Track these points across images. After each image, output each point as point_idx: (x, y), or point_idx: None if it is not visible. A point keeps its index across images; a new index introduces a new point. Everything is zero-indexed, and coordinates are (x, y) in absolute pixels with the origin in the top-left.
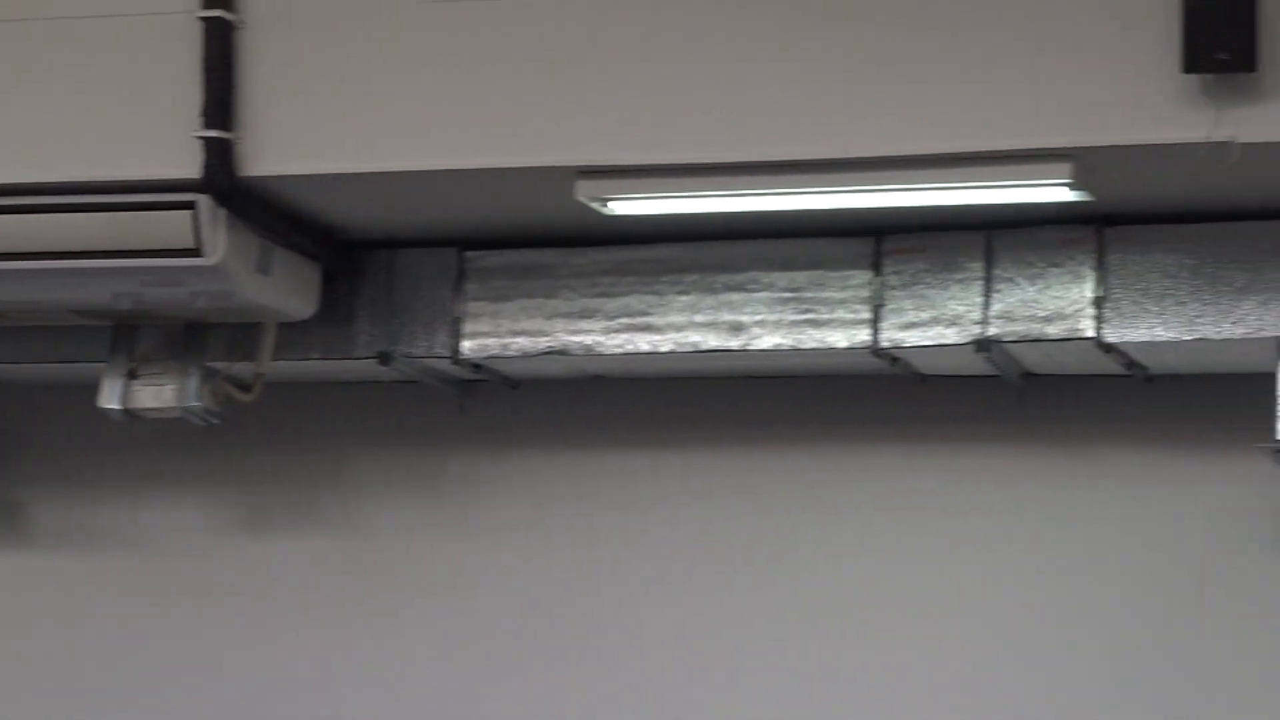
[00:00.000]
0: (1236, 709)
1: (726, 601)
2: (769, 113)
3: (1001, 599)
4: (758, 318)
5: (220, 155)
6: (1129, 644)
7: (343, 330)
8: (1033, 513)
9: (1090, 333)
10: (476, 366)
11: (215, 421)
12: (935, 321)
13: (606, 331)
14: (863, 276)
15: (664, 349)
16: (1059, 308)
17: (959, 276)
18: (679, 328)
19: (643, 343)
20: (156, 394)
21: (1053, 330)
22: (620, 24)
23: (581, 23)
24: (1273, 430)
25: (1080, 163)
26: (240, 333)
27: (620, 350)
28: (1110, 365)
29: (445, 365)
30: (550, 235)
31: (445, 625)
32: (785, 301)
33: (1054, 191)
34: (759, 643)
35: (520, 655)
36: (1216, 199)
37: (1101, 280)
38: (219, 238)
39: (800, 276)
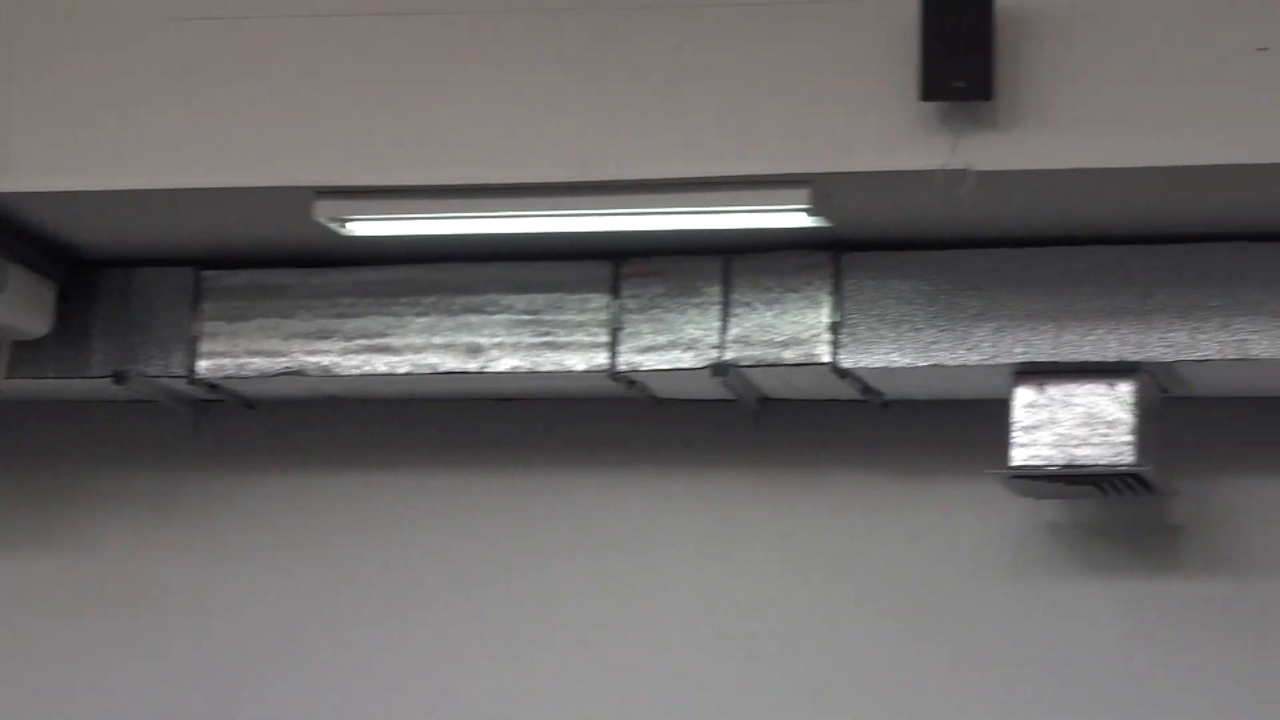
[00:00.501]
0: None
1: (462, 623)
2: (508, 135)
3: (737, 621)
4: (496, 340)
5: None
6: (864, 667)
7: (78, 349)
8: (768, 536)
9: (826, 358)
10: (213, 386)
11: None
12: (673, 345)
13: (344, 352)
14: (601, 300)
15: (401, 370)
16: (795, 333)
17: (696, 300)
18: (417, 349)
19: (380, 364)
20: None
21: (789, 355)
22: (358, 46)
23: (319, 44)
24: (1006, 456)
25: (818, 189)
26: None
27: (357, 371)
28: (846, 390)
29: (181, 385)
30: (290, 255)
31: (180, 645)
32: (523, 324)
33: (792, 217)
34: (492, 664)
35: (257, 675)
36: (953, 226)
37: (838, 306)
38: None
39: (538, 299)
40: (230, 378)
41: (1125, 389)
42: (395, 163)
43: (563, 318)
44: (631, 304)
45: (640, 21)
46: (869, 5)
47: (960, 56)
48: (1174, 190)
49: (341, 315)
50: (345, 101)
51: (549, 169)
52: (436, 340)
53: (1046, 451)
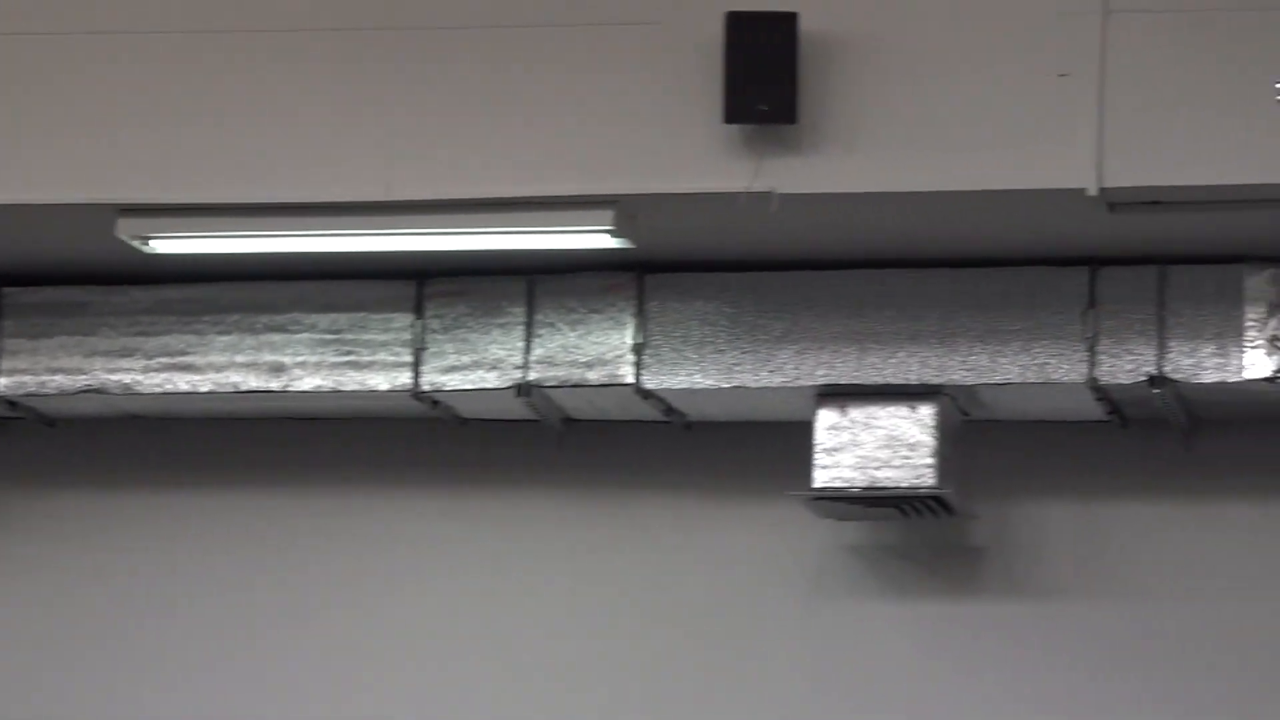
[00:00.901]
0: None
1: (257, 639)
2: (312, 154)
3: (540, 643)
4: (299, 359)
5: None
6: (665, 688)
7: None
8: (572, 556)
9: (630, 379)
10: (12, 404)
11: None
12: (476, 365)
13: (145, 370)
14: (404, 319)
15: (204, 389)
16: (599, 353)
17: (501, 321)
18: (219, 368)
19: (182, 382)
20: None
21: (593, 376)
22: (162, 63)
23: (122, 61)
24: (808, 478)
25: (622, 210)
26: None
27: (159, 390)
28: (649, 411)
29: None
30: (93, 273)
31: None
32: (327, 343)
33: (596, 238)
34: (294, 679)
35: (50, 692)
36: (757, 249)
37: (641, 327)
38: None
39: (342, 318)
40: (31, 395)
41: (927, 412)
42: (199, 181)
43: (366, 337)
44: (435, 324)
45: (446, 43)
46: (674, 28)
47: (764, 80)
48: (975, 214)
49: (143, 333)
50: (149, 119)
51: (353, 188)
52: (239, 359)
53: (848, 473)
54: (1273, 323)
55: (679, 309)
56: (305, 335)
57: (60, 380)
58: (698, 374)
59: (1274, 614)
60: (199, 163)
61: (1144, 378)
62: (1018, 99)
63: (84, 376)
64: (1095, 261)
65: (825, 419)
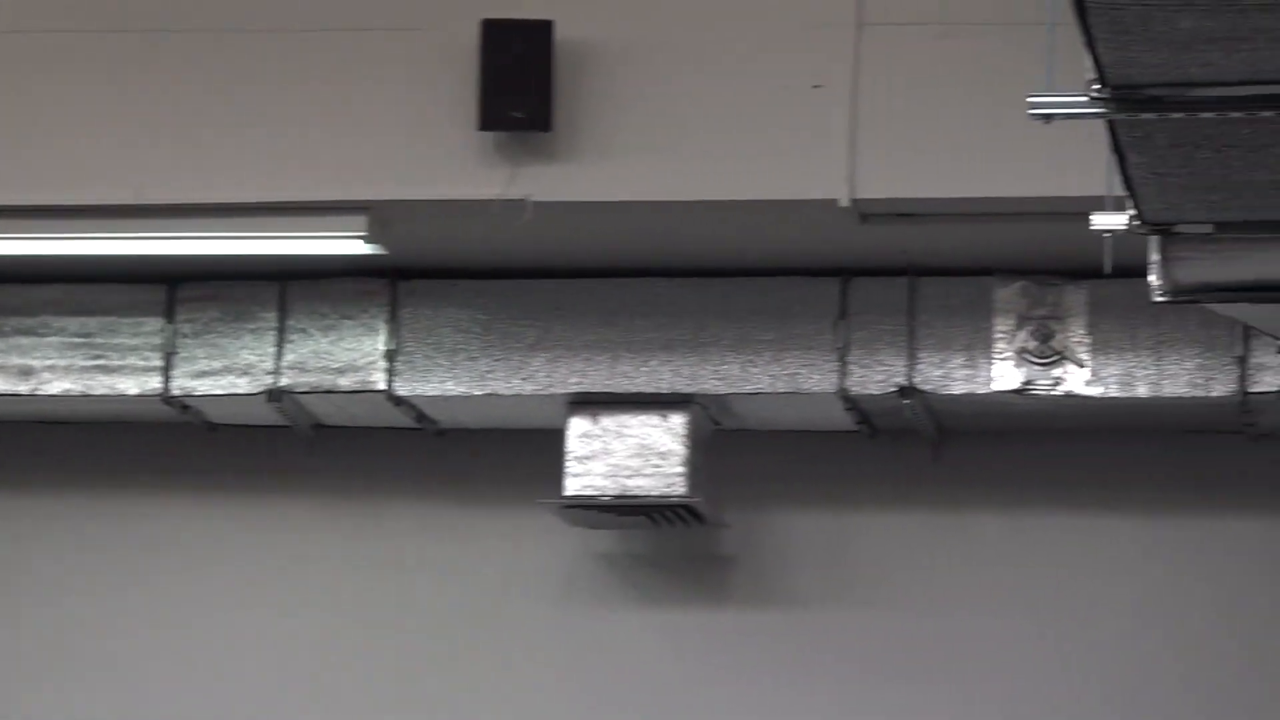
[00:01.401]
0: None
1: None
2: (62, 156)
3: (291, 648)
4: (48, 362)
5: None
6: (414, 695)
7: None
8: (322, 563)
9: (381, 385)
10: None
11: None
12: (227, 370)
13: None
14: (155, 324)
15: None
16: (351, 360)
17: (252, 326)
18: None
19: None
20: None
21: (345, 382)
22: None
23: None
24: (560, 486)
25: (375, 216)
26: None
27: None
28: (401, 418)
29: None
30: None
31: None
32: (76, 347)
33: (349, 244)
34: (19, 684)
35: None
36: (511, 256)
37: (394, 333)
38: None
39: (92, 322)
40: None
41: (678, 420)
42: None
43: (116, 341)
44: (186, 329)
45: (197, 46)
46: (429, 34)
47: (519, 87)
48: (729, 224)
49: None
50: None
51: (104, 191)
52: None
53: (600, 482)
54: (1021, 335)
55: (431, 316)
56: (55, 339)
57: None
58: (450, 381)
59: (1019, 623)
60: None
61: (894, 388)
62: (771, 109)
63: None
64: (847, 272)
65: (577, 427)
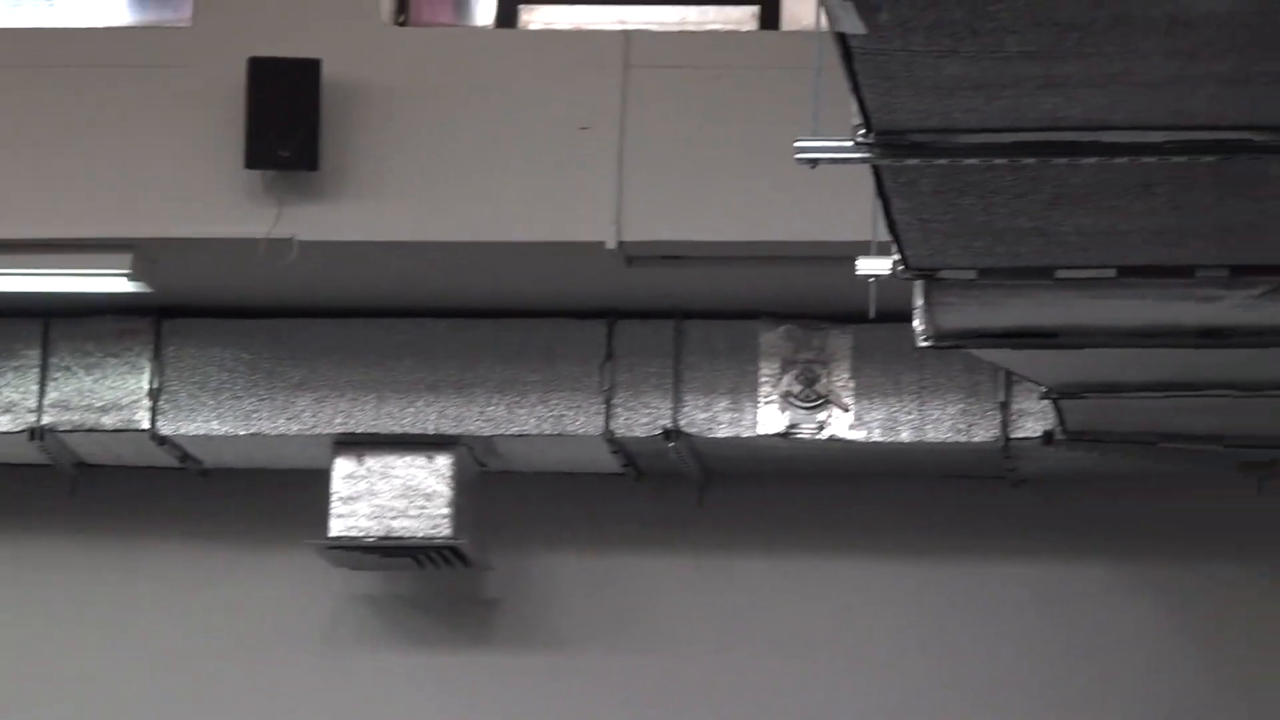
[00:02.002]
0: None
1: None
2: None
3: (51, 690)
4: None
5: None
6: None
7: None
8: (85, 604)
9: (145, 425)
10: None
11: None
12: None
13: None
14: None
15: None
16: (115, 398)
17: (15, 364)
18: None
19: None
20: None
21: (108, 421)
22: None
23: None
24: (325, 527)
25: (140, 254)
26: None
27: None
28: (165, 457)
29: None
30: None
31: None
32: None
33: (113, 281)
34: None
35: None
36: (278, 295)
37: (158, 372)
38: None
39: None
40: None
41: (444, 462)
42: None
43: None
44: None
45: None
46: (196, 71)
47: (286, 126)
48: (495, 265)
49: None
50: None
51: None
52: None
53: (364, 523)
54: (786, 379)
55: (197, 355)
56: None
57: None
58: (215, 420)
59: (785, 664)
60: None
61: (659, 431)
62: (539, 150)
63: None
64: (613, 314)
65: (342, 468)
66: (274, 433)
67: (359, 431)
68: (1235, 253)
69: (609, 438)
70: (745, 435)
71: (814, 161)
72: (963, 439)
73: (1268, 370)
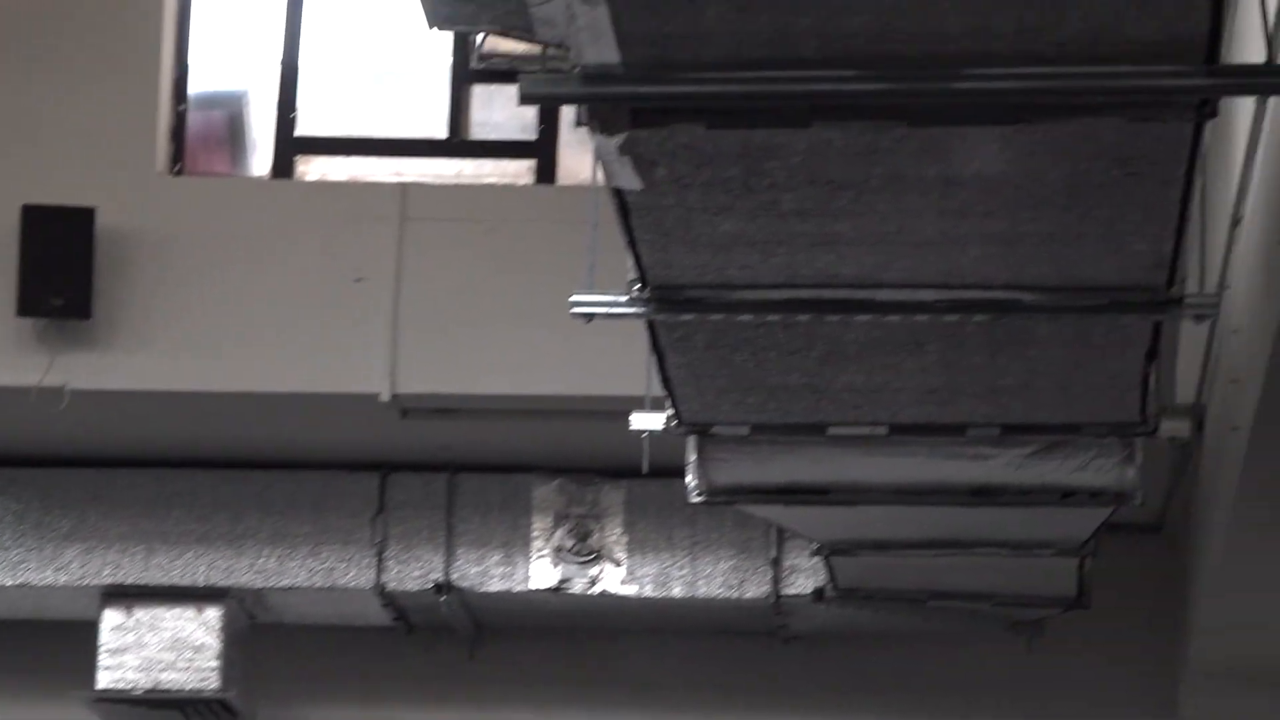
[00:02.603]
0: None
1: None
2: None
3: None
4: None
5: None
6: None
7: None
8: None
9: None
10: None
11: None
12: None
13: None
14: None
15: None
16: None
17: None
18: None
19: None
20: None
21: None
22: None
23: None
24: (93, 679)
25: None
26: None
27: None
28: None
29: None
30: None
31: None
32: None
33: None
34: None
35: None
36: (50, 444)
37: None
38: None
39: None
40: None
41: (213, 614)
42: None
43: None
44: None
45: None
46: None
47: (59, 274)
48: (268, 416)
49: None
50: None
51: None
52: None
53: (132, 675)
54: (559, 533)
55: None
56: None
57: None
58: None
59: None
60: None
61: (430, 585)
62: (313, 302)
63: None
64: (387, 467)
65: (110, 619)
66: (41, 584)
67: (128, 583)
68: (1006, 412)
69: (380, 591)
70: (517, 590)
71: (589, 316)
72: (734, 595)
73: (1038, 529)
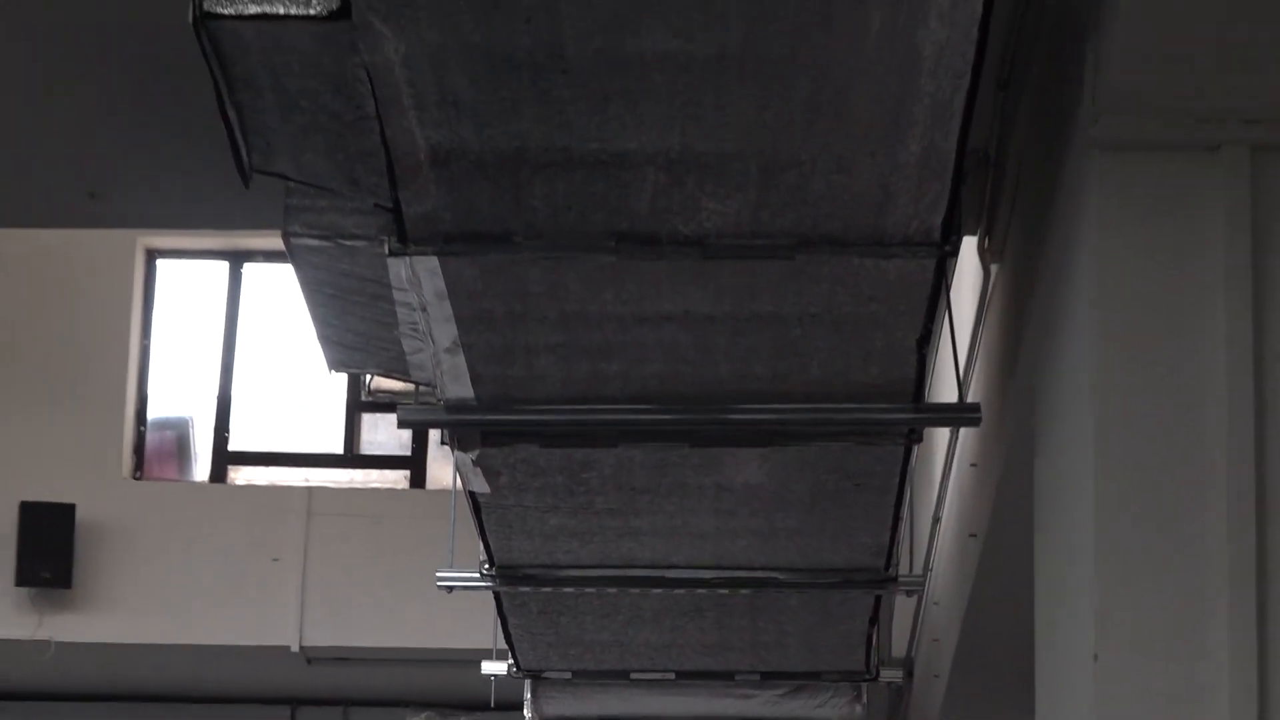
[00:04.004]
0: None
1: None
2: None
3: None
4: None
5: None
6: None
7: None
8: None
9: None
10: None
11: None
12: None
13: None
14: None
15: None
16: None
17: None
18: None
19: None
20: None
21: None
22: None
23: None
24: None
25: None
26: None
27: None
28: None
29: None
30: None
31: None
32: None
33: None
34: None
35: None
36: (39, 684)
37: None
38: None
39: None
40: None
41: None
42: None
43: None
44: None
45: None
46: None
47: (48, 554)
48: (202, 661)
49: None
50: None
51: None
52: None
53: None
54: None
55: None
56: None
57: None
58: None
59: None
60: None
61: None
62: (241, 575)
63: None
64: (295, 702)
65: None
66: None
67: None
68: (764, 662)
69: None
70: None
71: (451, 588)
72: None
73: None
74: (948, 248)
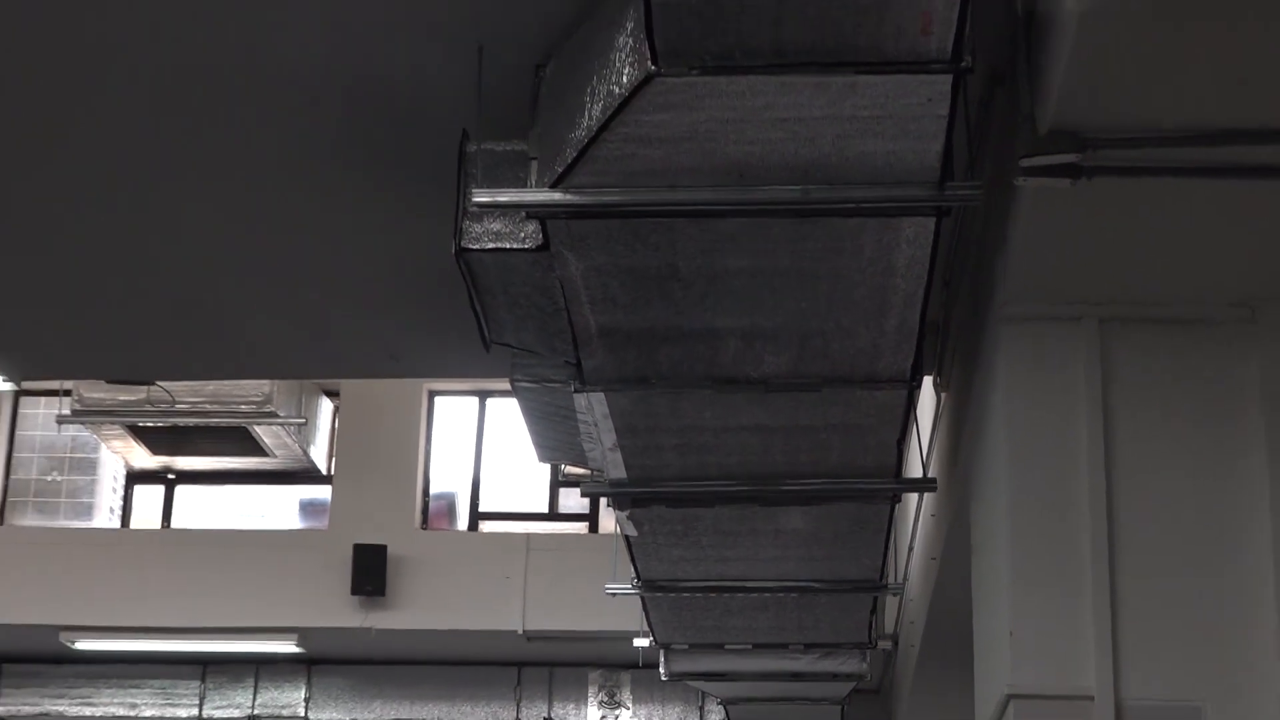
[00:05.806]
0: None
1: None
2: None
3: None
4: None
5: None
6: None
7: None
8: None
9: None
10: None
11: None
12: None
13: None
14: None
15: None
16: None
17: None
18: None
19: None
20: None
21: None
22: None
23: None
24: None
25: None
26: None
27: None
28: None
29: None
30: None
31: None
32: None
33: None
34: None
35: None
36: (367, 657)
37: None
38: None
39: None
40: None
41: None
42: None
43: None
44: None
45: None
46: (331, 540)
47: (370, 574)
48: (465, 641)
49: None
50: None
51: None
52: None
53: None
54: (601, 693)
55: None
56: None
57: None
58: None
59: None
60: None
61: None
62: (487, 589)
63: None
64: (520, 664)
65: None
66: None
67: None
68: (806, 637)
69: None
70: None
71: (615, 594)
72: None
73: (820, 692)
74: (914, 383)
